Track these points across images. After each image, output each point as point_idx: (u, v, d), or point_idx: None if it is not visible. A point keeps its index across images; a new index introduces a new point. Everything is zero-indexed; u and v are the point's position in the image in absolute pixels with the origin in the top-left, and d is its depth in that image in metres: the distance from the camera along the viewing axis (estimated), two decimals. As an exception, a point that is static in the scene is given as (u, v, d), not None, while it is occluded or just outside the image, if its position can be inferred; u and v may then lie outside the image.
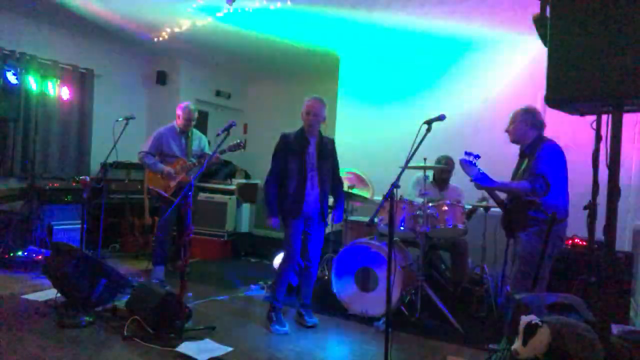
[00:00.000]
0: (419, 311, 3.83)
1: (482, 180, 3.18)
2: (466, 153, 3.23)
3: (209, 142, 6.52)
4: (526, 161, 3.24)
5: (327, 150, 3.75)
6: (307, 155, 3.66)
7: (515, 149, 3.44)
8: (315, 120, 3.62)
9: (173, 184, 4.66)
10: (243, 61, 7.17)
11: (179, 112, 4.77)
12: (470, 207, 4.31)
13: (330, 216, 3.96)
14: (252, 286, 4.69)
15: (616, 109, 1.77)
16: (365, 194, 4.84)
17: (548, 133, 3.30)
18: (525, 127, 3.23)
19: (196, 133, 4.97)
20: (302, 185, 3.63)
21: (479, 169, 3.19)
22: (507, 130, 3.34)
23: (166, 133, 4.77)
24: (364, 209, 5.16)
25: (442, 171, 4.59)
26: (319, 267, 4.89)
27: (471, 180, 3.25)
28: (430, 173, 4.68)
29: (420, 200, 4.02)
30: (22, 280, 4.41)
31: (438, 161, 4.56)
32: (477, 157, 3.21)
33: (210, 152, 4.97)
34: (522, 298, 2.43)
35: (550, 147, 3.15)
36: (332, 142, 3.83)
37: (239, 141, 4.35)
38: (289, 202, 3.63)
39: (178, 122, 4.77)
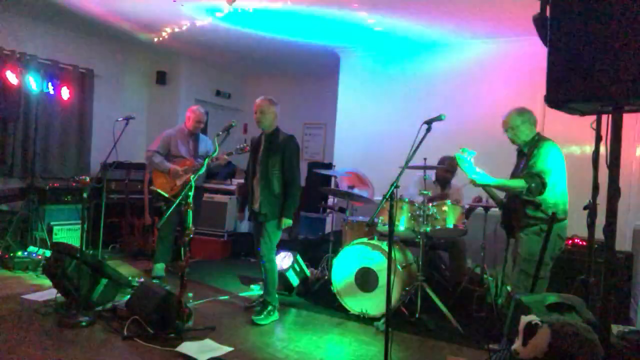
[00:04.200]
0: (419, 311, 3.83)
1: (478, 178, 3.18)
2: (462, 150, 3.23)
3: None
4: (525, 160, 3.24)
5: (275, 145, 3.76)
6: (259, 152, 3.85)
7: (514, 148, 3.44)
8: (260, 117, 3.77)
9: (179, 182, 4.66)
10: (243, 61, 7.16)
11: (189, 114, 4.80)
12: (467, 206, 4.30)
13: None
14: (252, 286, 4.68)
15: (616, 109, 1.77)
16: (365, 194, 4.84)
17: (548, 133, 3.30)
18: (531, 127, 3.24)
19: (203, 137, 5.00)
20: (250, 181, 3.91)
21: (474, 167, 3.19)
22: (511, 138, 3.32)
23: (175, 134, 4.80)
24: (364, 209, 5.15)
25: (445, 171, 4.59)
26: (317, 267, 4.93)
27: (468, 178, 3.24)
28: (431, 173, 4.68)
29: (420, 199, 4.02)
30: (22, 280, 4.41)
31: (442, 162, 4.55)
32: (472, 154, 3.21)
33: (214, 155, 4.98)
34: (522, 298, 2.43)
35: (549, 146, 3.16)
36: (287, 138, 3.82)
37: (245, 145, 4.35)
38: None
39: (187, 124, 4.80)
